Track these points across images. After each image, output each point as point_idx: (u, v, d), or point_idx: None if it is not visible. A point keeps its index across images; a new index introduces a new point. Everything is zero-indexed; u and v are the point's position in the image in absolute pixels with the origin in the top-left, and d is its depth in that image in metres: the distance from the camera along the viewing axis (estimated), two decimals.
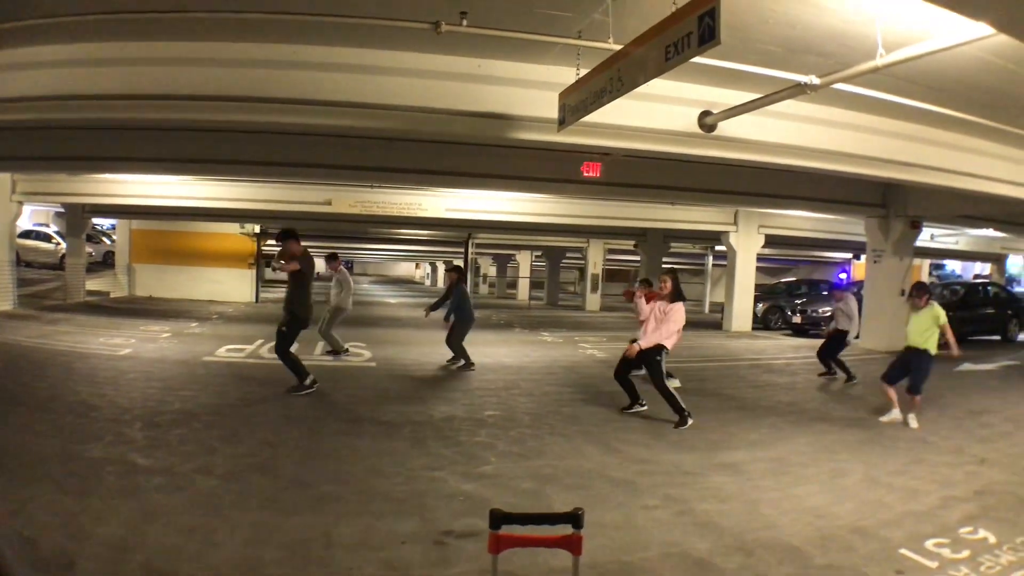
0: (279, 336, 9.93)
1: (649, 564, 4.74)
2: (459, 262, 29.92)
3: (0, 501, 5.25)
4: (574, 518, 2.97)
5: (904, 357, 9.66)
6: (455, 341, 13.28)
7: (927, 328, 9.40)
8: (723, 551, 4.97)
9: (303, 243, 10.16)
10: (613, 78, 7.19)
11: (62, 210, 25.61)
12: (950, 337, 9.50)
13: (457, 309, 13.30)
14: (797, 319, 23.57)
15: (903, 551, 5.01)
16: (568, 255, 41.41)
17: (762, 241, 24.39)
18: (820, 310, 22.38)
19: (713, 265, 36.10)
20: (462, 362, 13.20)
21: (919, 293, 9.57)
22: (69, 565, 4.35)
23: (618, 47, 7.24)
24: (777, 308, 25.35)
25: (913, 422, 9.39)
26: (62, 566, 4.34)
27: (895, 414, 9.49)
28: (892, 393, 9.60)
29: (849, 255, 35.13)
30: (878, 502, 6.15)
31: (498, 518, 2.95)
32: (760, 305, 25.39)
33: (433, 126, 9.58)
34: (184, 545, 4.72)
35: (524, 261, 47.62)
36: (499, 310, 31.90)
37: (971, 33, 6.81)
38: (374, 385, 10.91)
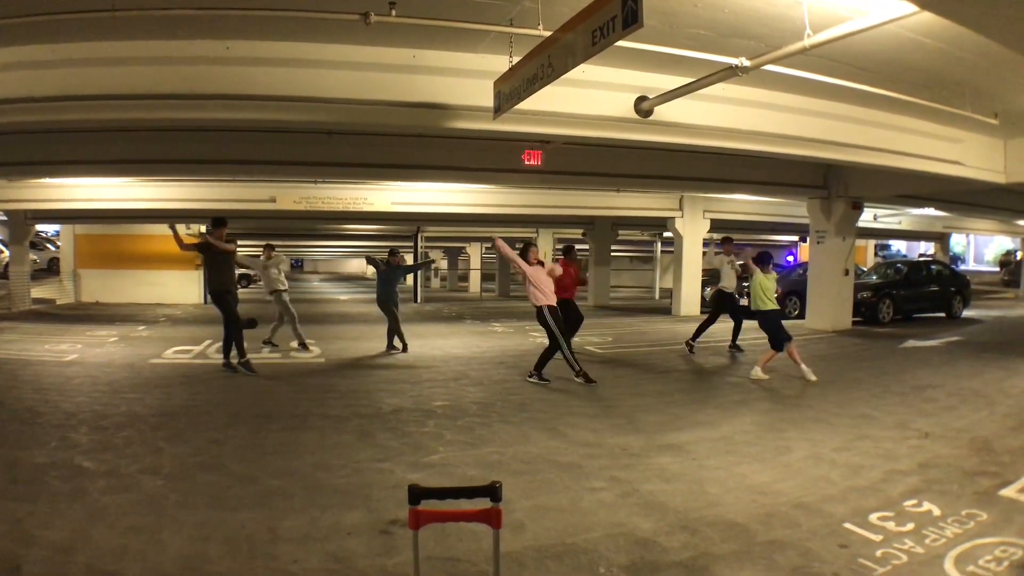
0: (232, 318, 11.00)
1: (593, 545, 4.78)
2: (408, 255, 29.74)
3: None
4: (492, 491, 3.00)
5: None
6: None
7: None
8: (667, 530, 5.02)
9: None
10: (544, 64, 7.25)
11: (4, 218, 25.14)
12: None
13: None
14: (744, 301, 23.70)
15: (847, 525, 5.06)
16: (518, 246, 41.21)
17: (708, 226, 24.50)
18: None
19: (662, 252, 36.32)
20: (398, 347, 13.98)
21: (768, 260, 11.46)
22: (16, 569, 4.33)
23: (548, 33, 7.29)
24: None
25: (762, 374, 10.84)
26: (8, 570, 4.31)
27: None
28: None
29: (795, 237, 35.56)
30: (822, 478, 6.22)
31: (417, 493, 2.98)
32: (708, 289, 25.53)
33: (370, 118, 9.57)
34: (129, 545, 4.70)
35: (475, 253, 47.55)
36: (451, 303, 31.83)
37: (895, 11, 6.90)
38: (322, 380, 10.88)
